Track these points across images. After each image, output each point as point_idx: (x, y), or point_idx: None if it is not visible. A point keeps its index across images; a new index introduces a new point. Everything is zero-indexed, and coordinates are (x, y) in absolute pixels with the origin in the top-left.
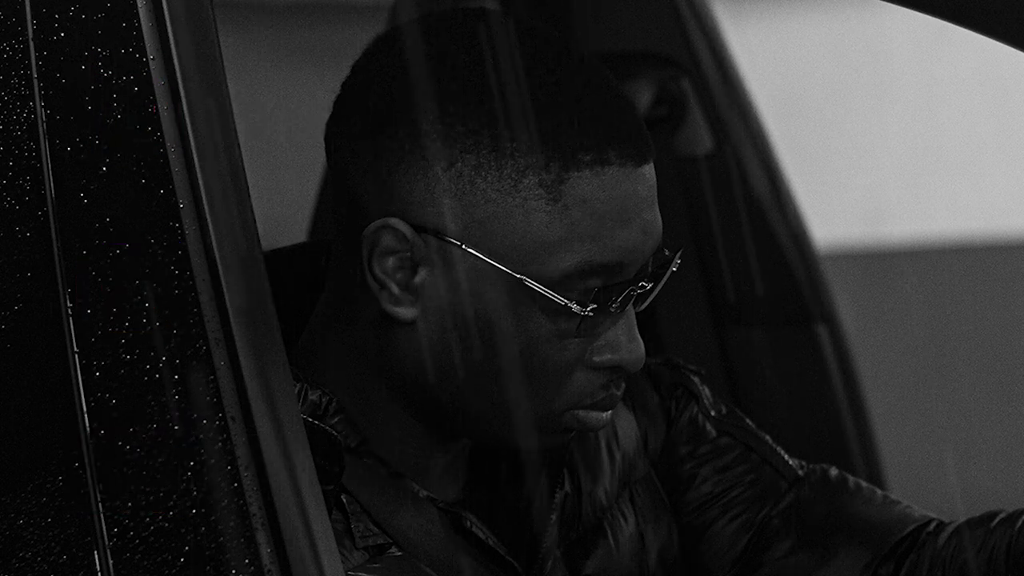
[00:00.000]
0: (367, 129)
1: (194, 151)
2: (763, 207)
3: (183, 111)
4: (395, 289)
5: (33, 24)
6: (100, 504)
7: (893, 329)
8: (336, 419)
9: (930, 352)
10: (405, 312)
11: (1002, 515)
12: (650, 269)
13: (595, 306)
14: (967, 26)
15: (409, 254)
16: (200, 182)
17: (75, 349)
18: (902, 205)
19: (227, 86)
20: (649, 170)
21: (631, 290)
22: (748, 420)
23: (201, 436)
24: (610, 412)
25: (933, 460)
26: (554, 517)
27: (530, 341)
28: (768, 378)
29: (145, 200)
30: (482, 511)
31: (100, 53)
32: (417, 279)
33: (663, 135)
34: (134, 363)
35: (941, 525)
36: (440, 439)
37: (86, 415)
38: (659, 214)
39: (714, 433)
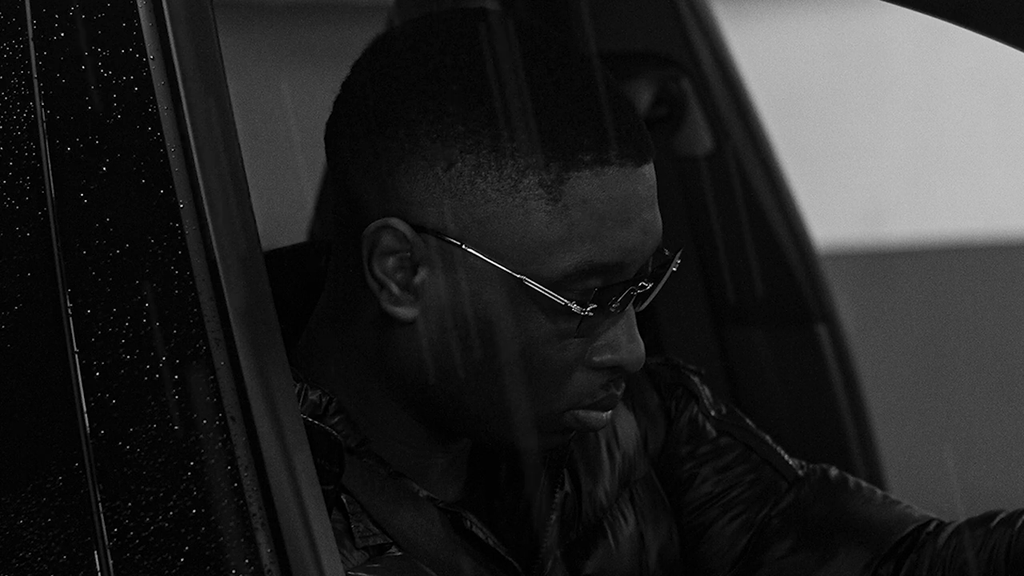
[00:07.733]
0: (367, 129)
1: (194, 151)
2: (763, 207)
3: (183, 111)
4: (395, 289)
5: (33, 24)
6: (100, 504)
7: (893, 329)
8: (336, 419)
9: (930, 352)
10: (405, 312)
11: (1002, 515)
12: (650, 269)
13: (595, 306)
14: (967, 26)
15: (409, 254)
16: (200, 182)
17: (75, 349)
18: (902, 205)
19: (227, 86)
20: (649, 170)
21: (631, 290)
22: (748, 420)
23: (201, 436)
24: (610, 412)
25: (933, 460)
26: (554, 517)
27: (530, 341)
28: (768, 378)
29: (145, 200)
30: (482, 511)
31: (100, 53)
32: (417, 279)
33: (663, 135)
34: (134, 363)
35: (941, 525)
36: (440, 439)
37: (86, 415)
38: (659, 214)
39: (714, 433)
